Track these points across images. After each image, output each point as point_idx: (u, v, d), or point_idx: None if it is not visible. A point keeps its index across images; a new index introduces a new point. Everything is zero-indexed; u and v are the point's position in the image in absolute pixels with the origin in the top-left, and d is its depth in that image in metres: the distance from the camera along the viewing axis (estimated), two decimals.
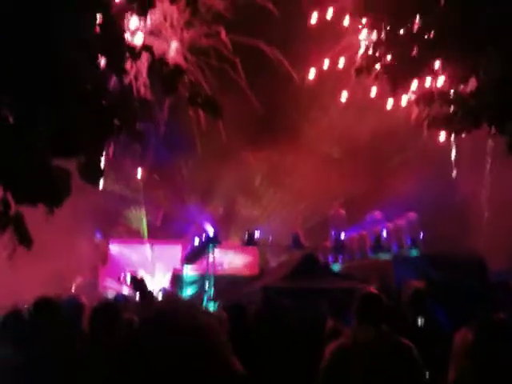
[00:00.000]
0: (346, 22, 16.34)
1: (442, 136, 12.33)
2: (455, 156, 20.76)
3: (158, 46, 18.87)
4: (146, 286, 5.07)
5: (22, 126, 3.98)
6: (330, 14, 16.89)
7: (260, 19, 20.79)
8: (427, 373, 4.69)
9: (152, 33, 18.23)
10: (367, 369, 3.47)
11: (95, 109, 4.27)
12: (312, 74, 19.34)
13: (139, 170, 23.51)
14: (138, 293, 5.04)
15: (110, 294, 18.89)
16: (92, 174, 4.51)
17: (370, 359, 3.47)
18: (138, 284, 5.04)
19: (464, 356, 3.84)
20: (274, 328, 4.88)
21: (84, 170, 4.44)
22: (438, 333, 5.39)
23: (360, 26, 13.38)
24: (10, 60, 3.76)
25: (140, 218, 27.04)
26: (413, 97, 11.18)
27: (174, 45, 19.82)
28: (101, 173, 4.54)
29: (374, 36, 11.02)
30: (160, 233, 27.00)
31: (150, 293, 5.03)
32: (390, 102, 14.88)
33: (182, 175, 26.74)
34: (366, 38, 12.48)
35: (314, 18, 17.57)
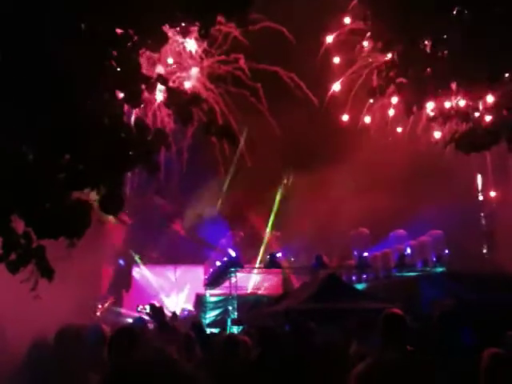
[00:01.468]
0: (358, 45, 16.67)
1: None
2: (480, 173, 20.60)
3: (178, 75, 19.27)
4: (164, 315, 5.08)
5: (42, 161, 4.08)
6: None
7: (277, 46, 21.11)
8: None
9: (172, 62, 18.61)
10: None
11: (112, 141, 4.35)
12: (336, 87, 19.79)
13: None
14: (156, 322, 5.07)
15: (132, 320, 18.98)
16: (112, 205, 4.55)
17: (396, 381, 3.42)
18: (156, 313, 5.06)
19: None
20: (300, 352, 4.83)
21: (104, 202, 4.49)
22: (463, 354, 5.28)
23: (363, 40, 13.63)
24: (32, 101, 3.90)
25: None
26: (431, 114, 11.18)
27: (194, 73, 20.17)
28: (121, 204, 4.58)
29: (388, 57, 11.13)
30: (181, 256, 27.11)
31: (168, 322, 5.02)
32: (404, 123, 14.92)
33: (204, 199, 26.85)
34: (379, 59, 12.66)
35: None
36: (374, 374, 3.44)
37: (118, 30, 4.56)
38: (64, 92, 4.00)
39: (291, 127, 23.18)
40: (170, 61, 18.56)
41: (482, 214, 22.18)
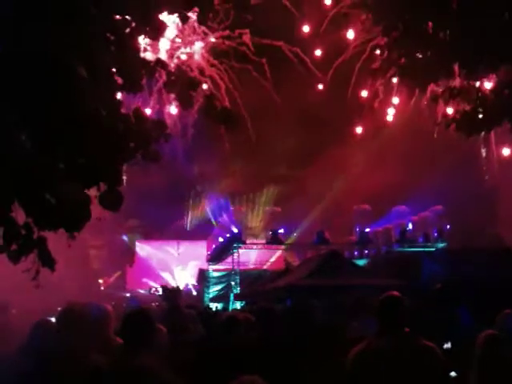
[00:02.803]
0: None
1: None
2: (484, 149, 20.53)
3: (181, 51, 19.02)
4: (176, 298, 5.15)
5: (40, 151, 4.07)
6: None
7: (281, 21, 20.82)
8: (453, 373, 4.66)
9: (175, 39, 18.36)
10: (389, 373, 3.47)
11: (111, 133, 4.32)
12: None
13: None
14: (167, 303, 5.15)
15: (133, 296, 19.21)
16: (113, 201, 4.55)
17: (392, 364, 3.47)
18: (168, 295, 5.13)
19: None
20: (299, 332, 4.86)
21: (105, 198, 4.49)
22: (461, 333, 5.35)
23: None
24: (30, 90, 3.87)
25: None
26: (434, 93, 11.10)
27: (198, 48, 19.95)
28: (121, 200, 4.58)
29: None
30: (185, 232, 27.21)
31: (179, 305, 5.10)
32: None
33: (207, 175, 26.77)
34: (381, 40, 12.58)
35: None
36: (369, 359, 3.49)
37: (116, 17, 4.52)
38: (61, 81, 3.98)
39: (296, 101, 22.99)
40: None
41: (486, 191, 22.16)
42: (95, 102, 4.37)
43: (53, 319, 4.59)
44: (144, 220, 26.87)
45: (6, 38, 4.11)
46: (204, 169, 25.59)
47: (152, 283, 22.61)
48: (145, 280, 23.66)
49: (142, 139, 4.60)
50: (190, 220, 27.41)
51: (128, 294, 20.72)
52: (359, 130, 20.99)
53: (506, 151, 17.87)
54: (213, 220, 26.74)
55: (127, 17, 4.58)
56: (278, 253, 22.14)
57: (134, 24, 4.63)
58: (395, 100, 18.63)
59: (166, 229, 27.10)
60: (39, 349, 3.87)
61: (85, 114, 4.20)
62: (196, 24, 18.53)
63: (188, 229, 27.21)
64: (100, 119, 4.44)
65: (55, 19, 4.05)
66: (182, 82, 5.04)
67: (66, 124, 4.14)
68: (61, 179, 4.41)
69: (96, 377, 3.37)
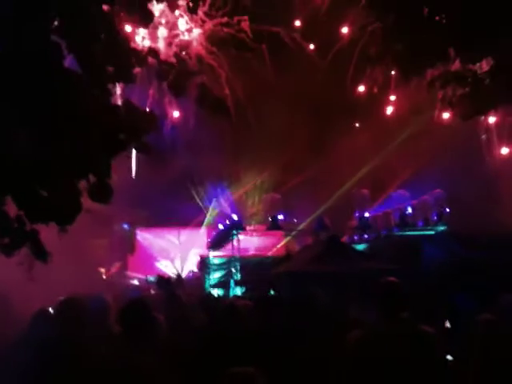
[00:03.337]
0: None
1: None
2: (484, 135, 20.51)
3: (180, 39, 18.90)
4: (172, 287, 5.16)
5: (36, 150, 4.05)
6: None
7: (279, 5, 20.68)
8: (449, 357, 4.68)
9: (173, 26, 18.20)
10: (388, 359, 3.49)
11: (102, 126, 4.30)
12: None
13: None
14: (165, 291, 5.16)
15: (134, 286, 19.30)
16: (103, 193, 4.55)
17: (391, 350, 3.49)
18: (164, 284, 5.13)
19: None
20: (300, 321, 4.88)
21: (94, 191, 4.48)
22: (461, 318, 5.37)
23: None
24: (22, 86, 3.84)
25: None
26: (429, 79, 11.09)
27: (195, 36, 19.80)
28: (111, 193, 4.57)
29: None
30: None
31: (176, 294, 5.10)
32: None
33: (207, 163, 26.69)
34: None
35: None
36: (369, 345, 3.51)
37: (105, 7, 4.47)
38: (60, 80, 3.95)
39: (296, 89, 22.85)
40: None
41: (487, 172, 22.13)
42: (89, 97, 4.34)
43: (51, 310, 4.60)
44: (148, 211, 26.82)
45: (6, 37, 4.07)
46: (205, 159, 25.48)
47: (152, 271, 22.70)
48: (146, 268, 23.73)
49: (133, 131, 4.58)
50: (206, 217, 27.35)
51: (130, 282, 20.81)
52: (360, 117, 20.99)
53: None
54: (210, 208, 26.73)
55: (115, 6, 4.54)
56: (279, 239, 22.15)
57: (122, 13, 4.59)
58: (394, 87, 18.61)
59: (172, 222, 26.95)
60: (39, 338, 3.90)
61: (82, 110, 4.18)
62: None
63: (204, 225, 27.16)
64: (95, 113, 4.41)
65: (55, 19, 4.02)
66: (177, 70, 5.00)
67: (64, 121, 4.12)
68: (52, 173, 4.40)
69: (94, 372, 3.40)
